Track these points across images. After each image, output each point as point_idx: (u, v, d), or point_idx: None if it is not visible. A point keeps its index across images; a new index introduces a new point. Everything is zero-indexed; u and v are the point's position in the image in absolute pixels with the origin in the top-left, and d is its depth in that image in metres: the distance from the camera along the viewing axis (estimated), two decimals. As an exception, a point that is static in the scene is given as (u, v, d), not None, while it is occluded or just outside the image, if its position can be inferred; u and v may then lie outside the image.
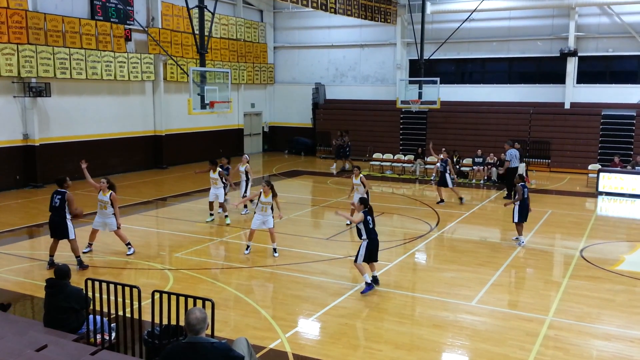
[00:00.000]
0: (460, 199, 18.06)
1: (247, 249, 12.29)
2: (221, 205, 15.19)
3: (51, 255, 11.16)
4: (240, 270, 11.23)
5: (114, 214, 11.79)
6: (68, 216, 10.99)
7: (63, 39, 19.88)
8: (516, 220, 13.09)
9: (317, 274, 11.11)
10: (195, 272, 10.98)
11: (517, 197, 13.07)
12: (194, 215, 15.38)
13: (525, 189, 13.11)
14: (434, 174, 22.86)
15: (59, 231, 11.01)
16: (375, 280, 10.16)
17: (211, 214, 15.20)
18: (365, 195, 14.18)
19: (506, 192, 19.42)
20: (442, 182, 18.14)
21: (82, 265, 11.01)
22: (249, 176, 16.17)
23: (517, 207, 13.02)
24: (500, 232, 14.98)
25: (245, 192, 16.05)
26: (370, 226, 9.90)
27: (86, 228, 12.55)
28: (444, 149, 19.02)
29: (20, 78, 18.82)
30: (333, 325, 8.58)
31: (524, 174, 21.64)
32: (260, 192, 12.09)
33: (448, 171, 18.01)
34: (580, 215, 17.09)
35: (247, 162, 16.26)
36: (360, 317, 8.91)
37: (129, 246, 12.05)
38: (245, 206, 16.11)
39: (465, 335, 8.31)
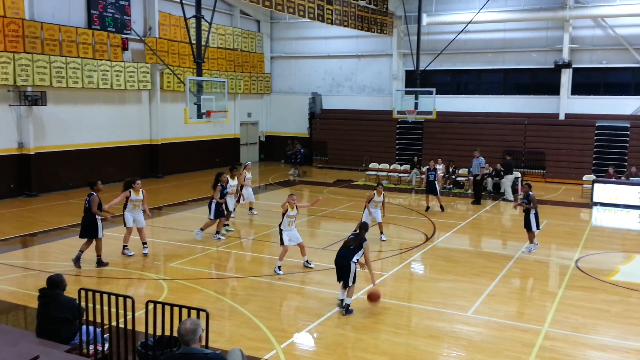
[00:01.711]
0: (441, 207, 18.42)
1: (279, 269, 11.60)
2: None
3: (81, 251, 11.76)
4: (235, 280, 11.18)
5: (144, 209, 12.69)
6: (98, 217, 11.66)
7: (60, 47, 19.88)
8: (534, 228, 13.39)
9: (313, 284, 11.09)
10: (190, 282, 10.93)
11: (532, 204, 13.33)
12: (190, 225, 15.32)
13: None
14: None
15: (88, 231, 11.67)
16: (345, 308, 9.47)
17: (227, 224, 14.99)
18: (381, 212, 14.25)
19: (474, 199, 20.16)
20: (430, 190, 18.47)
21: (101, 264, 11.78)
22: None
23: (533, 216, 13.33)
24: (496, 242, 14.98)
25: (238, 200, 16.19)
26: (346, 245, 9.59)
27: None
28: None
29: (16, 86, 18.79)
30: (329, 336, 8.54)
31: (519, 184, 21.82)
32: (287, 205, 11.51)
33: (437, 180, 18.63)
34: (575, 225, 17.12)
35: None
36: (356, 327, 8.87)
37: (145, 245, 12.72)
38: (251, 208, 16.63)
39: (461, 346, 8.28)
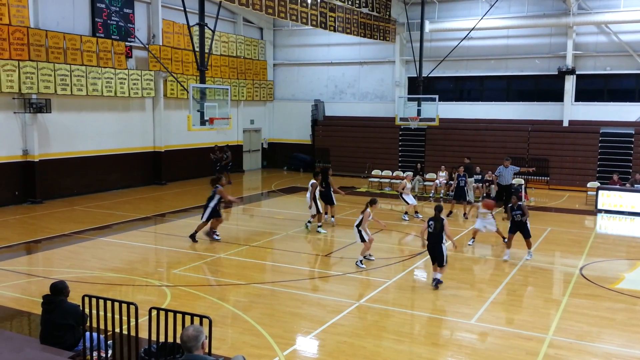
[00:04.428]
0: (465, 215, 18.56)
1: (371, 256, 13.03)
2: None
3: (195, 231, 14.50)
4: (238, 287, 11.17)
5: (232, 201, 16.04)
6: (210, 204, 14.33)
7: (64, 55, 19.97)
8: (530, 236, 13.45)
9: (315, 291, 11.06)
10: (193, 289, 10.93)
11: (526, 214, 13.27)
12: (192, 232, 15.29)
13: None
14: (432, 191, 22.87)
15: (211, 214, 14.42)
16: (436, 282, 11.11)
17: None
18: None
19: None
20: (460, 196, 18.54)
21: (211, 236, 14.62)
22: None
23: (528, 224, 13.34)
24: (499, 250, 14.92)
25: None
26: (430, 230, 11.12)
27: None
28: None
29: (21, 94, 18.87)
30: (331, 343, 8.51)
31: (524, 191, 21.76)
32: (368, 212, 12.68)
33: (467, 185, 18.82)
34: (580, 233, 17.06)
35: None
36: (358, 335, 8.84)
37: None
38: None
39: (465, 354, 8.24)
